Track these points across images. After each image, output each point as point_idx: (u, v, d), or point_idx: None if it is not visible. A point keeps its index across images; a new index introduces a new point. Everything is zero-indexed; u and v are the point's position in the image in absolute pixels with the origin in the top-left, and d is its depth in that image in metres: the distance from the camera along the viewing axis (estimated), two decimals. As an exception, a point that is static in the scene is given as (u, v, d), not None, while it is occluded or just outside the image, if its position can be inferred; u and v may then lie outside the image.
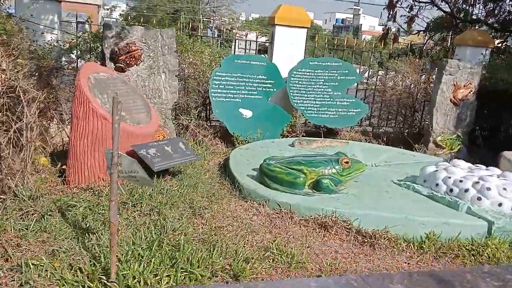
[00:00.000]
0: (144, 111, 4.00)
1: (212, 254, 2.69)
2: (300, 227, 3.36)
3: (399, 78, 7.08)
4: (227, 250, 2.81)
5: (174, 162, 3.76)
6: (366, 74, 7.69)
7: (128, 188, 3.47)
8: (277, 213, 3.49)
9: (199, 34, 6.87)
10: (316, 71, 6.55)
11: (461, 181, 3.64)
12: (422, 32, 10.63)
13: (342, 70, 6.62)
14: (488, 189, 3.46)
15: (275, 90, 6.24)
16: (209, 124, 6.08)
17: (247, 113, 5.93)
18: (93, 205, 3.22)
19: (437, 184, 3.77)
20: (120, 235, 2.80)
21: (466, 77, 6.13)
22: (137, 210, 3.26)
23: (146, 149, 3.61)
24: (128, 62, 5.00)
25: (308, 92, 6.41)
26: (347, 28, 65.04)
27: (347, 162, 3.72)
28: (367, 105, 6.68)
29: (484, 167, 4.03)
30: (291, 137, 6.19)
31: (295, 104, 6.29)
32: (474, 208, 3.45)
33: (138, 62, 5.06)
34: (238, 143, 5.57)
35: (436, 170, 3.85)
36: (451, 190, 3.66)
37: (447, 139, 6.21)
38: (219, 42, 14.04)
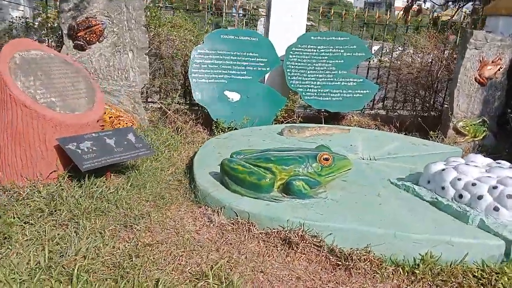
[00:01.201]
0: (86, 96, 3.33)
1: (116, 288, 2.03)
2: (259, 242, 2.64)
3: (417, 54, 6.12)
4: (143, 281, 2.13)
5: (114, 159, 3.09)
6: (385, 50, 6.76)
7: (52, 190, 2.84)
8: (232, 223, 2.78)
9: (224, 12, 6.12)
10: (318, 47, 5.71)
11: (474, 184, 2.80)
12: (450, 3, 9.47)
13: (350, 46, 5.75)
14: (510, 196, 2.62)
15: (268, 69, 5.46)
16: (190, 108, 5.37)
17: (233, 96, 5.19)
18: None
19: (443, 187, 2.94)
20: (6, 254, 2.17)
21: (495, 51, 5.15)
22: (53, 220, 2.62)
23: (78, 142, 2.96)
24: (88, 39, 4.35)
25: (308, 72, 5.59)
26: (380, 5, 62.44)
27: (326, 159, 2.95)
28: (377, 86, 5.81)
29: (508, 164, 3.16)
30: (286, 123, 5.42)
31: (292, 86, 5.50)
32: (489, 221, 2.62)
33: (101, 39, 4.40)
34: (219, 131, 4.86)
35: (444, 169, 3.02)
36: (461, 196, 2.83)
37: (470, 125, 5.29)
38: (244, 22, 13.26)
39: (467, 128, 5.31)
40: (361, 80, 5.71)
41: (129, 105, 4.60)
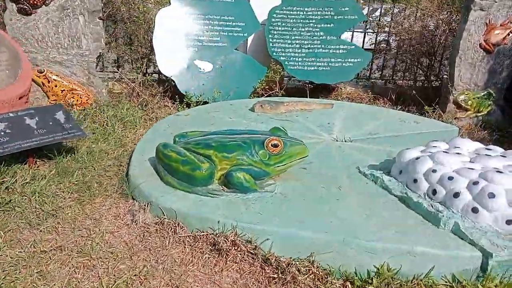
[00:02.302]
0: (7, 68, 2.87)
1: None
2: (184, 248, 2.21)
3: (417, 16, 5.44)
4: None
5: (32, 143, 2.66)
6: (377, 13, 6.07)
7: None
8: (157, 223, 2.34)
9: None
10: (306, 10, 5.12)
11: (450, 178, 2.28)
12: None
13: (340, 7, 5.12)
14: (491, 195, 2.10)
15: (245, 35, 4.91)
16: (159, 80, 4.88)
17: (205, 66, 4.67)
18: None
19: (415, 180, 2.43)
20: None
21: (505, 13, 4.47)
22: None
23: (-14, 124, 2.53)
24: (32, 1, 3.85)
25: (292, 38, 5.02)
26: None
27: (275, 146, 2.45)
28: (369, 53, 5.19)
29: (501, 150, 2.62)
30: (267, 96, 4.90)
31: (274, 54, 4.95)
32: (466, 225, 2.12)
33: (47, 2, 3.91)
34: (187, 106, 4.38)
35: (418, 158, 2.50)
36: (435, 192, 2.32)
37: (473, 98, 4.68)
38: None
39: (469, 101, 4.71)
40: (352, 46, 5.11)
41: (83, 77, 4.14)
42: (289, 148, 2.50)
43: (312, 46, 5.04)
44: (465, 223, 2.13)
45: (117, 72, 4.63)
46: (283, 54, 4.97)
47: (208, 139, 2.57)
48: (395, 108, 5.10)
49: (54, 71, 4.09)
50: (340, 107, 4.35)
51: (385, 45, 5.91)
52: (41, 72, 4.01)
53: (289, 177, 2.66)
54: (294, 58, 4.98)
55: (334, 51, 5.04)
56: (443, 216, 2.17)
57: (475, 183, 2.19)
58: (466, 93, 4.69)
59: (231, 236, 2.14)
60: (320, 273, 2.03)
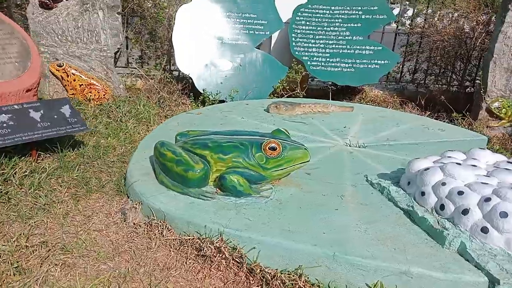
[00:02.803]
0: (16, 60, 2.90)
1: None
2: (170, 252, 2.13)
3: (451, 17, 5.14)
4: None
5: (34, 136, 2.66)
6: (409, 13, 5.79)
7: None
8: (146, 224, 2.27)
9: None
10: (332, 8, 4.95)
11: (461, 192, 2.08)
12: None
13: (369, 7, 4.90)
14: (504, 215, 1.89)
15: (267, 33, 4.79)
16: (179, 77, 4.85)
17: (224, 64, 4.59)
18: None
19: (422, 193, 2.24)
20: None
21: (547, 14, 4.11)
22: None
23: (-10, 115, 2.55)
24: (53, -4, 3.89)
25: (317, 37, 4.86)
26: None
27: (273, 149, 2.33)
28: (397, 55, 4.95)
29: (525, 164, 2.38)
30: (287, 97, 4.77)
31: (297, 53, 4.81)
32: (473, 246, 1.92)
33: (67, -4, 3.93)
34: (204, 104, 4.32)
35: (427, 169, 2.30)
36: (442, 207, 2.12)
37: (508, 106, 4.35)
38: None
39: (503, 110, 4.38)
40: (379, 48, 4.88)
41: (101, 72, 4.16)
42: (289, 152, 2.37)
43: (337, 46, 4.86)
44: (473, 243, 1.93)
45: (136, 68, 4.63)
46: (306, 53, 4.82)
47: (206, 139, 2.48)
48: (423, 114, 4.83)
49: (73, 65, 4.14)
50: (360, 110, 4.16)
51: (417, 47, 5.62)
52: (61, 66, 4.06)
53: (289, 183, 2.53)
54: (317, 58, 4.82)
55: (359, 51, 4.84)
56: (448, 234, 1.97)
57: (487, 199, 1.98)
58: (500, 100, 4.37)
59: (217, 243, 2.04)
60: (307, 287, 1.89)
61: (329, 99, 4.75)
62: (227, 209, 2.21)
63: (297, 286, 1.90)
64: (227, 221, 2.10)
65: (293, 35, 4.85)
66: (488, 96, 4.37)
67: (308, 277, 1.93)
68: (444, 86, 5.50)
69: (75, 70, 4.12)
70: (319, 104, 4.08)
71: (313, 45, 4.85)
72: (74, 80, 4.09)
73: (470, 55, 5.04)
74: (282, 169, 2.38)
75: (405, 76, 5.82)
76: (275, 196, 2.36)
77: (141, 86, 4.82)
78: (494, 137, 4.26)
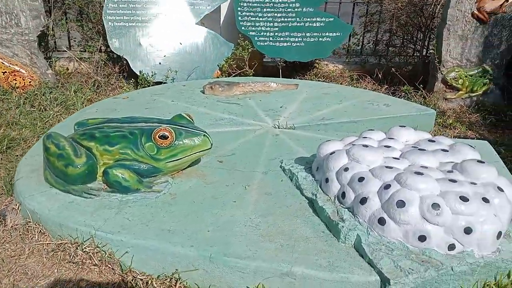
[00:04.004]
0: None
1: None
2: (42, 258, 1.90)
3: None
4: None
5: None
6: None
7: None
8: (23, 228, 2.04)
9: None
10: (281, -21, 4.59)
11: (361, 179, 1.84)
12: None
13: (320, -25, 4.57)
14: (401, 204, 1.65)
15: (209, 8, 4.47)
16: (117, 58, 4.54)
17: (162, 43, 4.29)
18: None
19: (327, 180, 2.01)
20: None
21: (502, -25, 3.82)
22: None
23: None
24: (-38, -24, 3.56)
25: (264, 10, 4.55)
26: None
27: (164, 137, 2.08)
28: (350, 26, 4.66)
29: (449, 141, 2.13)
30: (235, 75, 4.49)
31: (243, 28, 4.50)
32: (370, 239, 1.70)
33: (-22, -24, 3.59)
34: (135, 88, 4.05)
35: (333, 152, 2.06)
36: (343, 196, 1.89)
37: (465, 76, 4.09)
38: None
39: (460, 80, 4.12)
40: (331, 19, 4.58)
41: (25, 57, 3.88)
42: (184, 140, 2.12)
43: (286, 19, 4.56)
44: (370, 237, 1.71)
45: (65, 51, 4.33)
46: (253, 28, 4.51)
47: (95, 128, 2.22)
48: (379, 88, 4.57)
49: (-5, 52, 3.84)
50: (305, 88, 3.89)
51: (378, 17, 5.30)
52: (-20, 53, 3.77)
53: (193, 173, 2.29)
54: (265, 33, 4.52)
55: (310, 24, 4.54)
56: (343, 227, 1.75)
57: (387, 186, 1.74)
58: (456, 70, 4.11)
59: (87, 247, 1.81)
60: (185, 294, 1.68)
61: (279, 77, 4.47)
62: (109, 208, 1.97)
63: (174, 292, 1.68)
64: (103, 222, 1.87)
65: (238, 8, 4.54)
66: (444, 66, 4.11)
67: (186, 282, 1.71)
68: (406, 58, 5.22)
69: (-4, 57, 3.84)
70: (259, 83, 3.81)
71: (261, 19, 4.55)
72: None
73: (429, 24, 4.74)
74: (178, 160, 2.14)
75: (366, 49, 5.52)
76: (170, 190, 2.13)
77: (74, 71, 4.53)
78: (448, 110, 4.02)
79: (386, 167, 1.85)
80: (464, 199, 1.62)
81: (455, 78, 4.11)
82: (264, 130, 2.92)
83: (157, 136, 2.08)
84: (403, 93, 4.24)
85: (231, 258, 1.65)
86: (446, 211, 1.61)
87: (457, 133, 3.66)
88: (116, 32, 4.16)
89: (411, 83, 4.32)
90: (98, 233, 1.81)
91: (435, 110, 3.86)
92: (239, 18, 4.53)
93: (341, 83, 4.65)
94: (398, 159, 1.94)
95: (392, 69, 4.53)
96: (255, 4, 4.57)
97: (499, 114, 4.01)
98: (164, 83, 4.16)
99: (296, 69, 4.89)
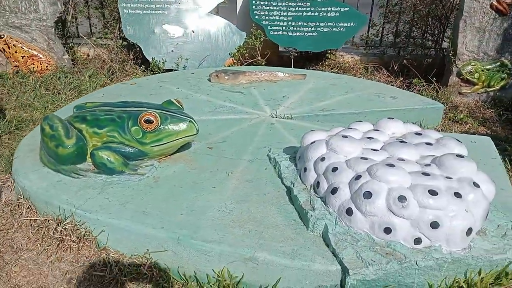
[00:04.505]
0: None
1: None
2: (28, 233, 2.01)
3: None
4: None
5: None
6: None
7: None
8: (14, 204, 2.16)
9: None
10: (297, -33, 4.55)
11: (335, 169, 1.84)
12: None
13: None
14: (367, 195, 1.64)
15: (222, -3, 4.48)
16: (131, 45, 4.64)
17: (175, 30, 4.36)
18: None
19: (305, 169, 2.01)
20: None
21: (525, -36, 3.64)
22: None
23: None
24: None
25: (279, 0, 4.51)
26: None
27: (149, 121, 2.14)
28: (366, 16, 4.57)
29: (437, 135, 2.09)
30: (247, 64, 4.51)
31: (256, 17, 4.50)
32: (337, 229, 1.70)
33: (-1, -36, 3.76)
34: (146, 75, 4.14)
35: (313, 142, 2.06)
36: (318, 185, 1.90)
37: (482, 70, 3.94)
38: None
39: (476, 74, 3.97)
40: (346, 9, 4.51)
41: (43, 43, 4.03)
42: (169, 125, 2.17)
43: (300, 8, 4.52)
44: (337, 227, 1.71)
45: (83, 37, 4.47)
46: (267, 18, 4.50)
47: (88, 111, 2.31)
48: (395, 81, 4.48)
49: (15, 37, 4.01)
50: (313, 78, 3.87)
51: (399, 8, 5.16)
52: (1, 38, 3.95)
53: (180, 158, 2.34)
54: (279, 23, 4.50)
55: (324, 13, 4.48)
56: (312, 216, 1.75)
57: (357, 177, 1.73)
58: (473, 63, 3.96)
59: (66, 224, 1.89)
60: (157, 273, 1.74)
61: (290, 67, 4.46)
62: (93, 188, 2.05)
63: (146, 269, 1.74)
64: (84, 201, 1.95)
65: (253, -3, 4.53)
66: (459, 60, 3.97)
67: (157, 262, 1.77)
68: (422, 50, 5.07)
69: (16, 41, 4.00)
70: (266, 72, 3.81)
71: (275, 8, 4.52)
72: (16, 52, 3.98)
73: (449, 16, 4.58)
74: (163, 144, 2.19)
75: (385, 40, 5.39)
76: (154, 173, 2.18)
77: (95, 57, 4.66)
78: (461, 105, 3.89)
79: (361, 158, 1.83)
80: (433, 192, 1.59)
81: (471, 71, 3.96)
82: (261, 119, 2.93)
83: (142, 121, 2.14)
84: (417, 86, 4.13)
85: (198, 241, 1.69)
86: (413, 204, 1.59)
87: (468, 128, 3.55)
88: (130, 19, 4.25)
89: (427, 76, 4.20)
90: (78, 212, 1.89)
91: (446, 104, 3.76)
92: (253, 7, 4.52)
93: (354, 75, 4.58)
94: (377, 150, 1.92)
95: (404, 61, 4.41)
96: (271, -7, 4.55)
97: (512, 111, 3.85)
98: (176, 70, 4.23)
99: (310, 60, 4.85)
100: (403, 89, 4.20)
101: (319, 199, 1.85)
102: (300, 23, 4.48)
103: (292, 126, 2.83)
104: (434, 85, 3.99)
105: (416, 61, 4.67)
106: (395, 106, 3.25)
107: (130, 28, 4.25)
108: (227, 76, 3.66)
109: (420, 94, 3.81)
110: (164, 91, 3.41)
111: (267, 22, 4.49)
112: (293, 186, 1.99)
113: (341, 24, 4.43)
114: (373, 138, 2.04)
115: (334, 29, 4.44)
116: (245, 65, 4.48)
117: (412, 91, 4.04)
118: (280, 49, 5.11)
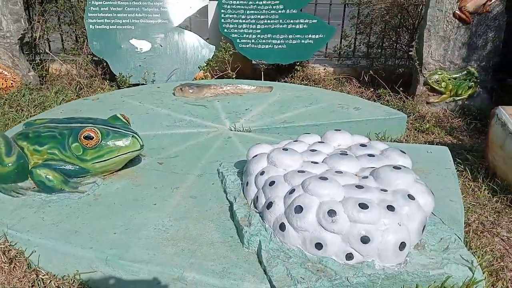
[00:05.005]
0: None
1: None
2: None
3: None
4: None
5: None
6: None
7: None
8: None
9: None
10: (266, -20, 4.57)
11: (272, 183, 1.80)
12: None
13: (305, -24, 4.52)
14: (298, 209, 1.60)
15: (191, 8, 4.48)
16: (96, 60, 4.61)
17: (142, 45, 4.33)
18: None
19: (247, 183, 1.97)
20: None
21: (485, -27, 3.67)
22: None
23: None
24: None
25: (248, 12, 4.53)
26: None
27: (89, 138, 2.09)
28: (333, 27, 4.55)
29: (382, 147, 2.06)
30: (217, 78, 4.49)
31: (225, 30, 4.49)
32: (271, 245, 1.65)
33: (-40, -19, 3.73)
34: (117, 88, 4.10)
35: (255, 156, 2.02)
36: (257, 200, 1.85)
37: (448, 79, 3.94)
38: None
39: (443, 83, 3.97)
40: (314, 21, 4.51)
41: (7, 60, 3.99)
42: (111, 140, 2.13)
43: (269, 21, 4.52)
44: (272, 243, 1.66)
45: (49, 53, 4.44)
46: (236, 30, 4.50)
47: (31, 129, 2.26)
48: (364, 92, 4.47)
49: (-21, 54, 3.97)
50: (280, 90, 3.85)
51: (370, 19, 5.18)
52: (-36, 55, 3.91)
53: (125, 175, 2.29)
54: (247, 36, 4.50)
55: (293, 26, 4.48)
56: (246, 232, 1.70)
57: (292, 191, 1.69)
58: (439, 72, 3.96)
59: (0, 245, 1.83)
60: (85, 296, 1.68)
61: (260, 79, 4.44)
62: (30, 207, 1.99)
63: (72, 293, 1.68)
64: (17, 221, 1.89)
65: (222, 11, 4.54)
66: (426, 69, 3.97)
67: (87, 283, 1.71)
68: (393, 60, 5.09)
69: (-19, 59, 3.96)
70: (232, 85, 3.79)
71: (244, 20, 4.52)
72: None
73: (416, 25, 4.59)
74: (105, 160, 2.14)
75: (359, 51, 5.41)
76: (95, 190, 2.13)
77: (66, 73, 4.63)
78: (429, 114, 3.88)
79: (299, 171, 1.79)
80: (363, 206, 1.55)
81: (437, 81, 3.96)
82: (219, 133, 2.90)
83: (82, 137, 2.09)
84: (385, 97, 4.12)
85: (125, 262, 1.64)
86: (343, 218, 1.54)
87: (434, 138, 3.53)
88: (97, 34, 4.23)
89: (396, 86, 4.20)
90: (9, 232, 1.83)
91: (413, 114, 3.75)
92: (222, 20, 4.52)
93: (325, 86, 4.57)
94: (317, 163, 1.88)
95: (371, 71, 4.41)
96: (239, 7, 4.55)
97: (485, 119, 3.83)
98: (142, 84, 4.20)
99: (282, 72, 4.84)
100: (373, 99, 4.20)
101: (258, 214, 1.81)
102: (269, 36, 4.47)
103: (249, 139, 2.79)
104: (401, 95, 3.98)
105: (388, 71, 4.67)
106: (356, 117, 3.23)
107: (97, 44, 4.23)
108: (191, 89, 3.63)
109: (387, 105, 3.80)
110: (125, 106, 3.37)
111: (236, 35, 4.48)
112: (235, 201, 1.94)
113: (310, 36, 4.43)
114: (316, 150, 2.00)
115: (302, 41, 4.44)
116: (215, 78, 4.45)
117: (381, 102, 4.03)
118: (254, 62, 5.10)
